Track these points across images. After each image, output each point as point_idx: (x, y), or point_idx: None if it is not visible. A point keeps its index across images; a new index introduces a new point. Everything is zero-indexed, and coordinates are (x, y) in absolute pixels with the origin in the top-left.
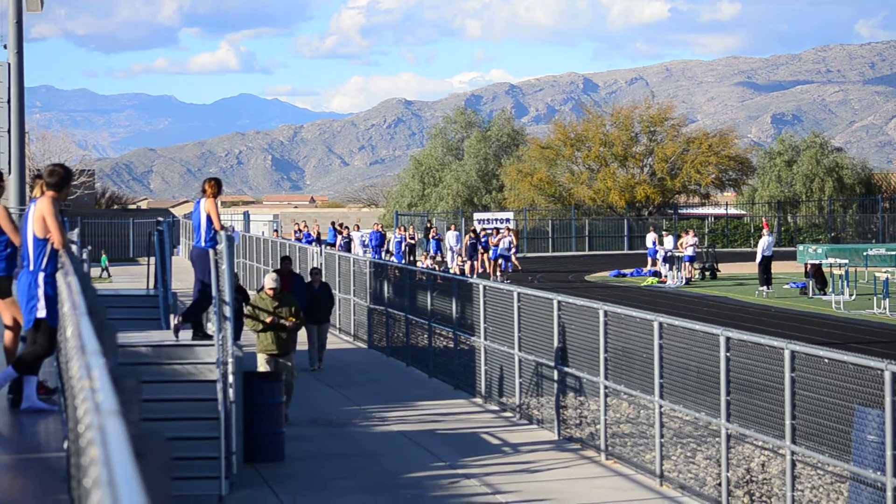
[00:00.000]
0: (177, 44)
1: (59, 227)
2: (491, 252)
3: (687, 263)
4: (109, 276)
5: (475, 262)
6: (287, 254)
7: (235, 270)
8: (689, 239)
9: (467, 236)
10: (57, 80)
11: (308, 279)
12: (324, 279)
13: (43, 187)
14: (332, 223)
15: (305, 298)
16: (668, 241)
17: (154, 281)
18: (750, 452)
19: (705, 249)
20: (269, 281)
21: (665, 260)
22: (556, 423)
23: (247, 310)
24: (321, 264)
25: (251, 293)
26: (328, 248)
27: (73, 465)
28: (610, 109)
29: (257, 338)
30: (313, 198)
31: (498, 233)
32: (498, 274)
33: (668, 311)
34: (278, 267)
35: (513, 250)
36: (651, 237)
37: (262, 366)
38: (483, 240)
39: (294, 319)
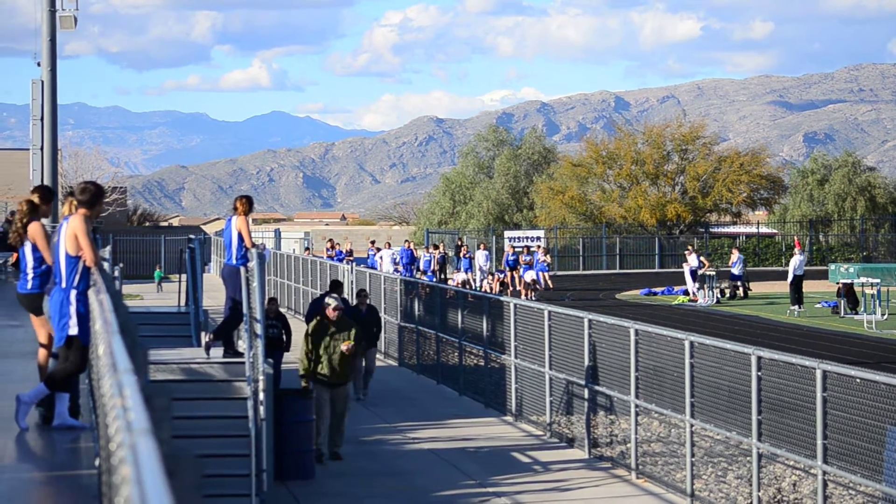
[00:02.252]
0: (209, 61)
1: (91, 244)
2: (521, 270)
3: (738, 282)
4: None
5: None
6: (318, 271)
7: (274, 294)
8: (736, 254)
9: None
10: (90, 97)
11: (354, 302)
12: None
13: (74, 205)
14: (407, 241)
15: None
16: (693, 258)
17: (185, 298)
18: (781, 472)
19: None
20: (332, 301)
21: (694, 278)
22: (587, 442)
23: (304, 346)
24: (352, 282)
25: (287, 313)
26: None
27: (104, 484)
28: (641, 128)
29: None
30: (344, 215)
31: (529, 251)
32: (530, 293)
33: (699, 330)
34: (327, 290)
35: (546, 268)
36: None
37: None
38: (512, 258)
39: (351, 343)
